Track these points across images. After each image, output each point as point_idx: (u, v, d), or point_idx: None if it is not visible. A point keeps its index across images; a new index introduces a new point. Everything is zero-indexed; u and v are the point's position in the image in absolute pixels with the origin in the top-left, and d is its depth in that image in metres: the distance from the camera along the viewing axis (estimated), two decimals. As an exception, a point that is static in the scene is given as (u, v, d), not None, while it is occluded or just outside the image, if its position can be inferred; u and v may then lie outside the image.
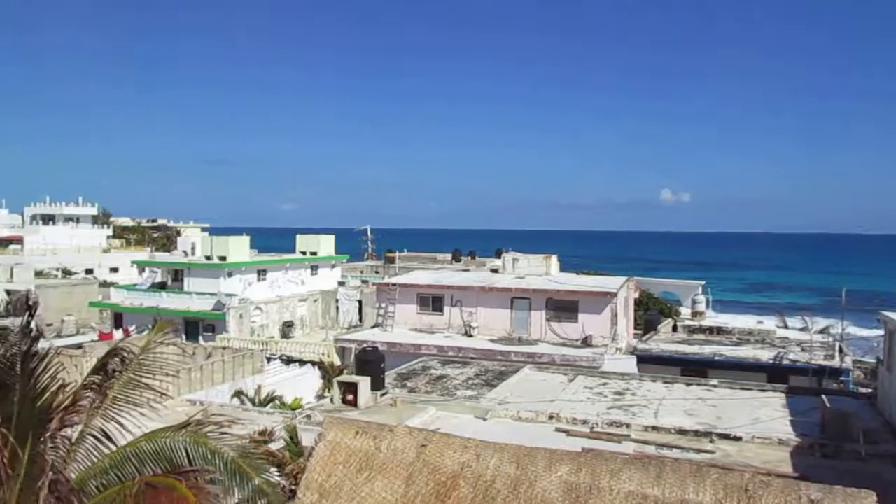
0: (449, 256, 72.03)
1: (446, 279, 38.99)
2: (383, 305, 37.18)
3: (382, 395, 21.65)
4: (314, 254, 54.41)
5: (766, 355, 28.70)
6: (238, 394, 28.35)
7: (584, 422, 18.04)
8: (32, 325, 9.35)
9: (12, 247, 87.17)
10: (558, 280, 37.30)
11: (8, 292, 54.58)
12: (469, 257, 71.84)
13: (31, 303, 10.56)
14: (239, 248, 48.71)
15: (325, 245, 55.53)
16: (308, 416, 20.18)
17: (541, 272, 38.96)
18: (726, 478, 7.87)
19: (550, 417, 18.46)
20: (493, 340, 33.30)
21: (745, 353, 29.37)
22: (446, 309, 35.84)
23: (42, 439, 8.17)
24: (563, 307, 33.62)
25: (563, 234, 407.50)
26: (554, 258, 40.94)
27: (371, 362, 22.15)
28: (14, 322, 9.76)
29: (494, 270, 43.97)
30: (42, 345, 9.22)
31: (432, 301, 36.33)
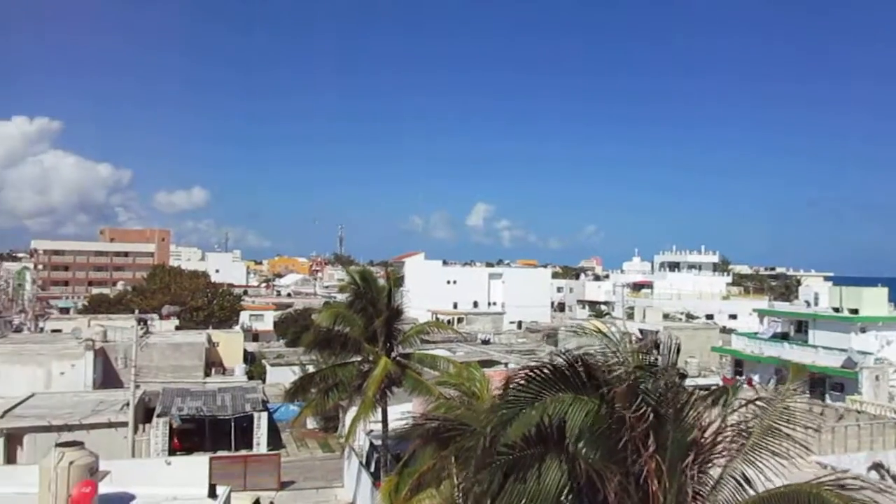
0: None
1: None
2: None
3: None
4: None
5: None
6: (877, 467, 24.64)
7: None
8: (679, 364, 9.91)
9: (643, 290, 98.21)
10: None
11: (640, 331, 61.16)
12: None
13: (673, 344, 11.20)
14: (874, 301, 43.39)
15: None
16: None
17: None
18: None
19: None
20: None
21: None
22: None
23: (687, 473, 8.39)
24: None
25: None
26: None
27: None
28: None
29: None
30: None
31: None
